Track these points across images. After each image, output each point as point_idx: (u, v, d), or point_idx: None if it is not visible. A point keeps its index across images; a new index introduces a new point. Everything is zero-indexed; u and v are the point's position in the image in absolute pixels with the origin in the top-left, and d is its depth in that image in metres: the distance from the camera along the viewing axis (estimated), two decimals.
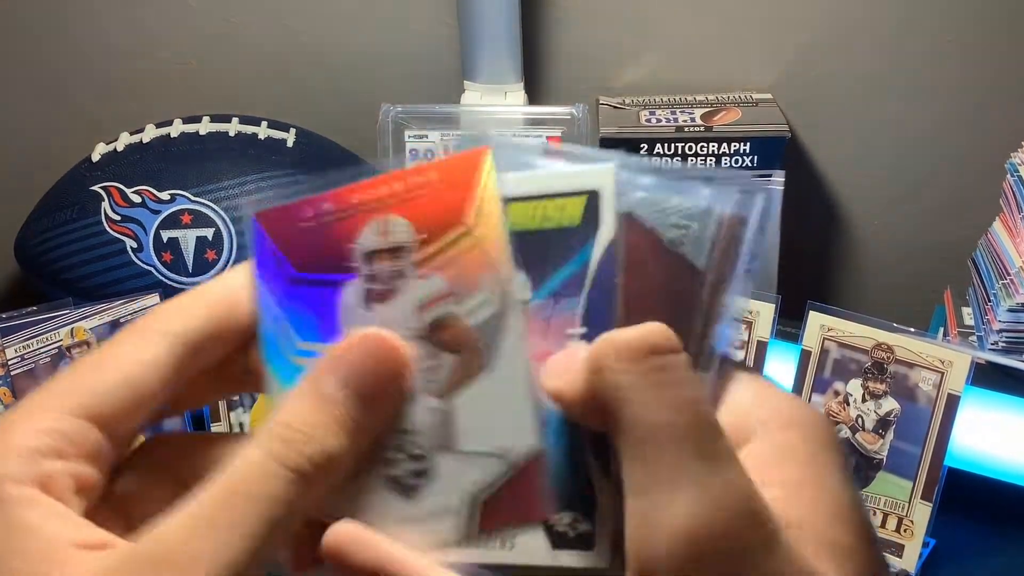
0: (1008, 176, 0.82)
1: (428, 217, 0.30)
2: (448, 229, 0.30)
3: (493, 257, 0.30)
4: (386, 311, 0.30)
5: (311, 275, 0.30)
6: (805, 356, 0.69)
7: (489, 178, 0.30)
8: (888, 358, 0.67)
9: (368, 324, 0.30)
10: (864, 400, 0.67)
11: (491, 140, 0.30)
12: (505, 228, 0.30)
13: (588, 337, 0.29)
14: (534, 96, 0.95)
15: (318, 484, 0.27)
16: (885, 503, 0.67)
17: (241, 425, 0.74)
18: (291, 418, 0.27)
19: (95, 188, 0.83)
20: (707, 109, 0.87)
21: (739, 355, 0.71)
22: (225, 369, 0.31)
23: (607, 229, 0.30)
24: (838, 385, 0.69)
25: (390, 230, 0.30)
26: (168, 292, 0.78)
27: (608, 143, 0.83)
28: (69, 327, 0.72)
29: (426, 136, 0.80)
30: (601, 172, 0.30)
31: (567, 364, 0.28)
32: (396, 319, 0.30)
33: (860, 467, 0.68)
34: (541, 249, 0.30)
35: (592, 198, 0.30)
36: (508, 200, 0.30)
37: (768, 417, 0.29)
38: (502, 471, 0.29)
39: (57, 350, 0.71)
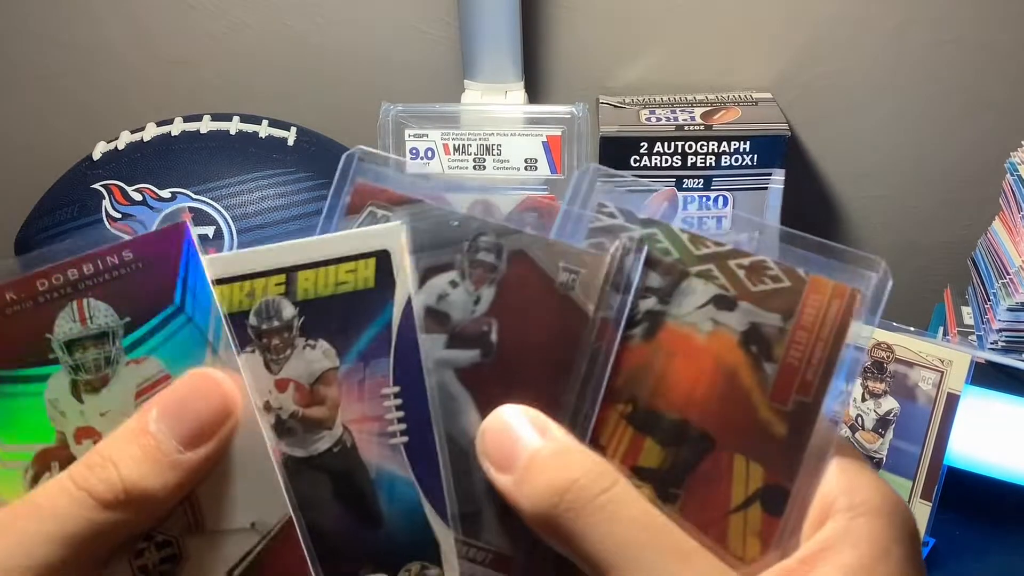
0: (1008, 176, 0.82)
1: (131, 299, 0.29)
2: (156, 310, 0.29)
3: (208, 335, 0.29)
4: (100, 401, 0.29)
5: (6, 371, 0.29)
6: None
7: (191, 254, 0.29)
8: (888, 357, 0.67)
9: (82, 417, 0.29)
10: (863, 399, 0.67)
11: (180, 215, 0.30)
12: (217, 306, 0.29)
13: (403, 396, 0.30)
14: (534, 95, 0.95)
15: (121, 510, 0.27)
16: None
17: None
18: (102, 447, 0.28)
19: (96, 186, 0.83)
20: (707, 108, 0.87)
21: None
22: None
23: (403, 287, 0.30)
24: None
25: (89, 315, 0.29)
26: None
27: (608, 142, 0.83)
28: None
29: (426, 135, 0.80)
30: (389, 232, 0.30)
31: (518, 469, 0.28)
32: (113, 408, 0.29)
33: None
34: (343, 314, 0.30)
35: (383, 259, 0.30)
36: (218, 280, 0.30)
37: (850, 503, 0.29)
38: (255, 543, 0.29)
39: None
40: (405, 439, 0.30)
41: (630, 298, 0.30)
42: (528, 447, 0.28)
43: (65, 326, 0.29)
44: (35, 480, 0.29)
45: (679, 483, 0.30)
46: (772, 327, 0.30)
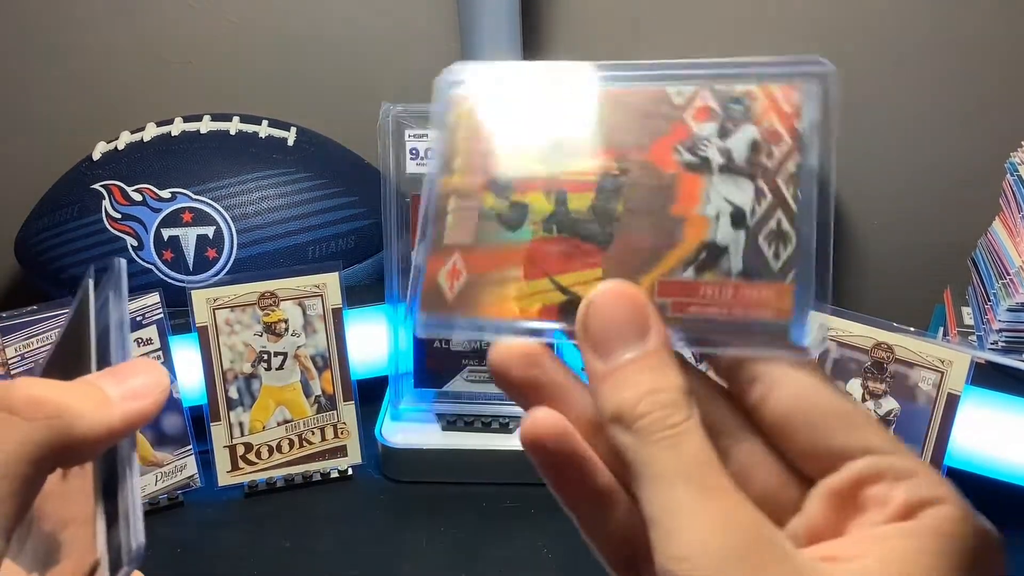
0: (1008, 176, 0.82)
1: None
2: None
3: None
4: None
5: None
6: None
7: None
8: (888, 358, 0.67)
9: None
10: (864, 400, 0.67)
11: None
12: None
13: None
14: None
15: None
16: None
17: (241, 425, 0.74)
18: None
19: (96, 186, 0.83)
20: None
21: None
22: None
23: None
24: (838, 385, 0.69)
25: None
26: (168, 290, 0.78)
27: None
28: None
29: (426, 135, 0.80)
30: None
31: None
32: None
33: None
34: None
35: None
36: None
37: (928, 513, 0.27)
38: None
39: None
40: None
41: None
42: (629, 349, 0.29)
43: None
44: None
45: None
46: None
